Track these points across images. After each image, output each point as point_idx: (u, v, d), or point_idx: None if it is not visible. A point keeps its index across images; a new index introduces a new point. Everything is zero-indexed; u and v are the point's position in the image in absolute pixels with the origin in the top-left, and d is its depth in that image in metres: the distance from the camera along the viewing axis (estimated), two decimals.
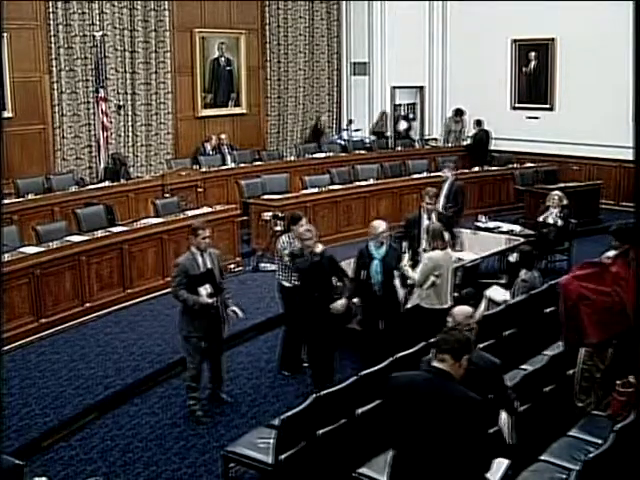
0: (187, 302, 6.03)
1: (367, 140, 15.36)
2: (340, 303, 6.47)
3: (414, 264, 7.16)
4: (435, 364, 3.56)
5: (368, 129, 15.87)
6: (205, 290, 6.03)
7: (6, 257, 7.49)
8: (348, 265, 7.03)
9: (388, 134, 15.73)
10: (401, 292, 6.83)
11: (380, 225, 6.75)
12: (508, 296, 6.98)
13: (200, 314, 6.05)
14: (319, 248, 6.48)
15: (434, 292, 6.59)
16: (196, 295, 6.00)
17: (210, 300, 6.02)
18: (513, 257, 7.63)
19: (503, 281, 7.38)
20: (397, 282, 6.79)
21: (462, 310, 4.34)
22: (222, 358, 6.44)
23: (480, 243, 9.12)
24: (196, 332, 6.10)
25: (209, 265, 6.14)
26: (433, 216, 8.03)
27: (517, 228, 10.16)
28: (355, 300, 6.92)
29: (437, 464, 3.48)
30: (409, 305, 6.72)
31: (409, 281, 6.87)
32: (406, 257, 7.28)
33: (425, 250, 7.26)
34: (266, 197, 11.12)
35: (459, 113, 15.21)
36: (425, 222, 7.87)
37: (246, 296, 8.65)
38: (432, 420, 3.46)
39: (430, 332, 6.00)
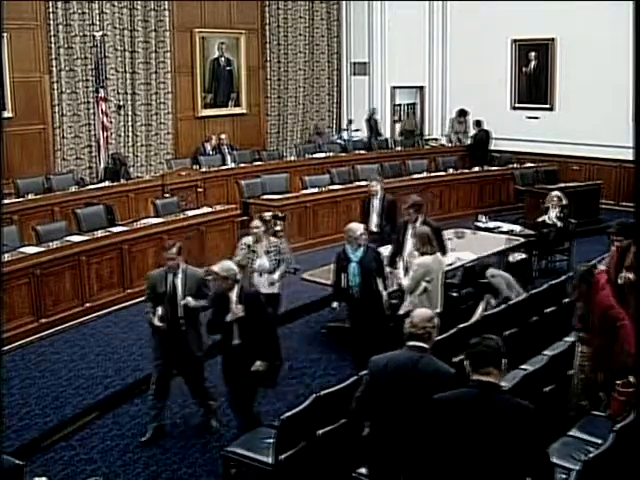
0: (147, 316, 5.91)
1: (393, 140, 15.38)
2: (260, 363, 5.50)
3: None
4: (480, 378, 3.42)
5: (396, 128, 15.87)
6: (158, 312, 5.75)
7: (6, 257, 7.49)
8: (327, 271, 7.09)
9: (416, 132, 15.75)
10: (385, 294, 6.75)
11: (357, 228, 6.77)
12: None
13: (157, 333, 5.85)
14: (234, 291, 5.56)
15: (426, 298, 6.49)
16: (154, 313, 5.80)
17: (159, 323, 5.74)
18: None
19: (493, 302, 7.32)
20: (380, 285, 6.75)
21: (422, 313, 4.19)
22: (201, 384, 6.02)
23: (480, 243, 9.11)
24: (155, 349, 5.93)
25: (179, 287, 5.77)
26: (417, 224, 7.55)
27: (517, 228, 10.15)
28: (335, 305, 6.97)
29: None
30: (401, 311, 6.63)
31: (402, 283, 6.77)
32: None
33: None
34: (266, 197, 11.13)
35: (463, 114, 15.21)
36: (410, 230, 7.55)
37: None
38: (489, 437, 3.32)
39: None
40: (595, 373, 5.31)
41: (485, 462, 3.34)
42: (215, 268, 5.49)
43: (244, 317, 5.39)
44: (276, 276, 6.99)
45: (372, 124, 15.55)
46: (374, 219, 8.88)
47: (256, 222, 7.05)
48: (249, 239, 7.03)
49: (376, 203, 8.98)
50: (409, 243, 7.33)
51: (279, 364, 6.30)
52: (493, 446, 3.32)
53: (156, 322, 5.74)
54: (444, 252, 7.35)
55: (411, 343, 4.06)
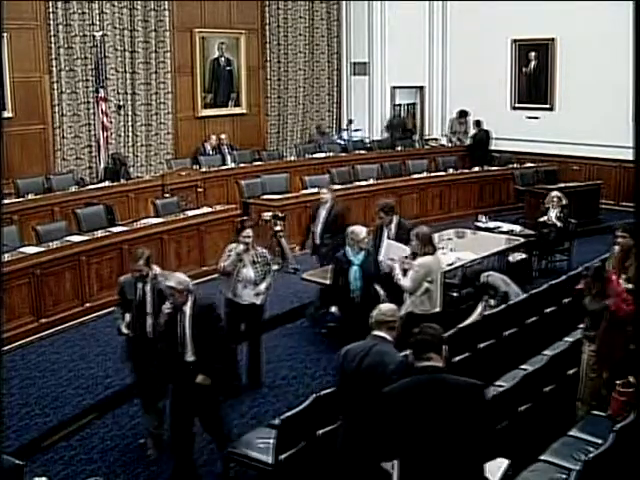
0: (116, 323, 5.81)
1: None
2: (203, 377, 5.16)
3: None
4: (424, 364, 3.55)
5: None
6: (126, 318, 5.66)
7: (6, 257, 7.49)
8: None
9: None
10: (384, 298, 6.63)
11: (361, 231, 6.73)
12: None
13: (127, 341, 5.73)
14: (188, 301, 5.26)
15: (427, 298, 6.50)
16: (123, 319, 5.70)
17: (125, 330, 5.66)
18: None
19: (492, 302, 7.33)
20: (379, 289, 6.74)
21: (389, 305, 4.52)
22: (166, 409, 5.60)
23: (480, 243, 9.11)
24: (129, 359, 5.80)
25: (148, 296, 5.60)
26: (392, 226, 7.57)
27: (517, 228, 10.15)
28: (333, 309, 6.94)
29: (457, 462, 3.44)
30: (402, 312, 6.63)
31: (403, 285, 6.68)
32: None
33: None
34: (266, 197, 11.12)
35: (463, 114, 15.22)
36: (385, 233, 7.53)
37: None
38: (448, 417, 3.42)
39: None
40: (601, 371, 5.32)
41: (444, 442, 3.43)
42: (170, 282, 5.18)
43: (197, 331, 5.12)
44: (262, 287, 6.62)
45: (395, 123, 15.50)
46: (319, 227, 8.49)
47: (247, 231, 6.69)
48: (239, 247, 6.59)
49: (323, 213, 8.57)
50: (385, 246, 7.22)
51: (238, 384, 6.39)
52: (450, 425, 3.42)
53: (123, 329, 5.66)
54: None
55: (375, 332, 4.34)
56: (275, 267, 7.49)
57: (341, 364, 4.38)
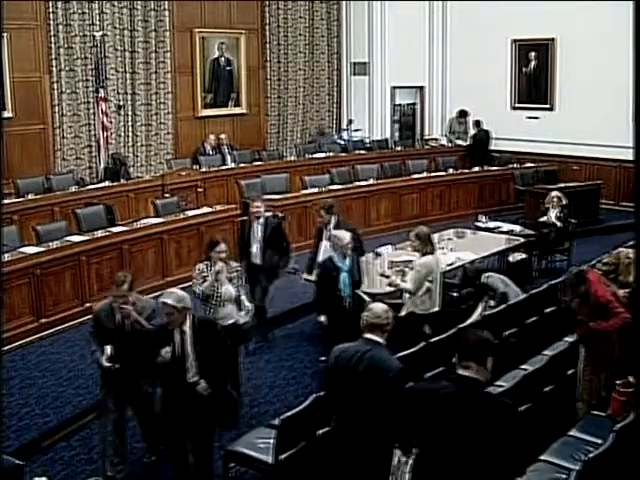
0: (92, 357, 5.36)
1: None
2: (204, 386, 4.86)
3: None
4: (460, 372, 3.46)
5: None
6: (106, 351, 5.16)
7: (6, 257, 7.49)
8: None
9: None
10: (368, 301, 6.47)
11: (345, 236, 6.50)
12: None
13: (106, 375, 5.25)
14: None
15: (428, 297, 6.52)
16: (102, 351, 5.19)
17: (107, 364, 5.13)
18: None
19: (492, 303, 7.31)
20: (363, 295, 6.63)
21: (380, 305, 4.33)
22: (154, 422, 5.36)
23: (480, 243, 9.11)
24: (106, 394, 5.34)
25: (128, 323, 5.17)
26: (330, 227, 7.33)
27: (517, 228, 10.16)
28: (322, 318, 6.65)
29: (466, 475, 3.36)
30: (403, 313, 6.63)
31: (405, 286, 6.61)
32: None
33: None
34: (266, 197, 11.10)
35: (463, 114, 15.23)
36: (324, 234, 7.31)
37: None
38: (459, 432, 3.35)
39: (424, 335, 6.11)
40: (598, 373, 5.33)
41: (451, 455, 3.36)
42: (168, 300, 4.75)
43: (201, 350, 4.79)
44: (249, 303, 6.25)
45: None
46: (255, 248, 7.50)
47: (222, 246, 6.07)
48: (217, 265, 6.03)
49: (258, 229, 7.57)
50: (324, 247, 7.06)
51: (236, 412, 5.72)
52: (463, 439, 3.34)
53: (105, 363, 5.13)
54: (362, 254, 7.27)
55: (367, 335, 4.21)
56: (296, 265, 7.54)
57: (333, 366, 4.28)
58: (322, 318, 6.67)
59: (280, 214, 10.07)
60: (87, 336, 5.40)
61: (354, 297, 6.49)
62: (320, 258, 7.10)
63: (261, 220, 7.58)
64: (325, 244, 7.14)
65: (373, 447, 4.12)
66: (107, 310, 5.24)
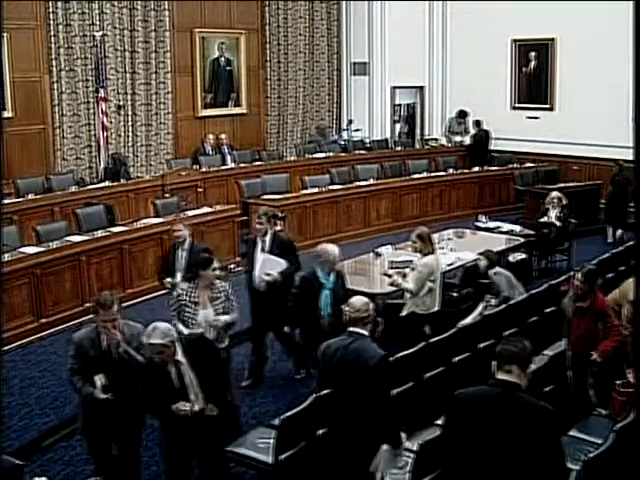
0: (81, 393, 4.77)
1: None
2: (212, 406, 4.59)
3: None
4: (501, 377, 3.42)
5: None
6: (99, 381, 4.65)
7: (6, 257, 7.50)
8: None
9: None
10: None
11: (333, 250, 6.02)
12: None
13: (96, 409, 4.72)
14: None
15: (429, 297, 6.52)
16: (92, 384, 4.66)
17: (104, 395, 4.63)
18: (481, 264, 7.33)
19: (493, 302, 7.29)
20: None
21: (361, 299, 4.44)
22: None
23: (480, 243, 9.10)
24: (91, 429, 4.88)
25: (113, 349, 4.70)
26: (267, 238, 6.75)
27: (517, 228, 10.15)
28: (286, 329, 6.47)
29: None
30: (404, 313, 6.62)
31: (407, 287, 6.50)
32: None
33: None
34: (266, 197, 11.13)
35: (463, 115, 15.23)
36: (259, 245, 6.74)
37: (244, 297, 8.61)
38: (506, 436, 3.32)
39: (424, 335, 6.11)
40: (583, 372, 5.37)
41: (500, 462, 3.33)
42: (155, 340, 4.33)
43: (201, 373, 4.48)
44: (222, 318, 5.59)
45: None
46: (179, 277, 6.68)
47: (216, 264, 5.62)
48: (195, 291, 5.54)
49: (183, 254, 6.85)
50: (260, 259, 6.61)
51: (237, 410, 5.55)
52: (509, 447, 3.32)
53: (101, 395, 4.62)
54: (298, 268, 6.75)
55: (351, 329, 4.36)
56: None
57: (321, 360, 4.43)
58: (286, 329, 6.52)
59: (280, 214, 10.10)
60: (68, 375, 4.85)
61: (335, 316, 5.72)
62: (257, 272, 6.56)
63: (186, 245, 6.89)
64: (262, 257, 6.60)
65: (364, 440, 4.18)
66: (91, 337, 4.71)
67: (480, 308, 6.97)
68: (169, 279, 6.87)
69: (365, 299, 4.49)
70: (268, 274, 6.55)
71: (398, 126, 16.24)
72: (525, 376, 3.43)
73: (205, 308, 5.54)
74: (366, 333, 4.35)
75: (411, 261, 6.91)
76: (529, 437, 3.30)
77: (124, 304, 8.54)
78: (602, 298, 5.67)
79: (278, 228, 7.46)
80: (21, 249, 8.10)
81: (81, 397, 4.83)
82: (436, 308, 6.55)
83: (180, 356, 4.46)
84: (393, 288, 6.83)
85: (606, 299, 5.78)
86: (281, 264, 6.56)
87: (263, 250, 6.68)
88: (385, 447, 4.22)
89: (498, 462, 3.34)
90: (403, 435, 4.36)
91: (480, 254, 7.49)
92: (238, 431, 5.26)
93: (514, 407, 3.35)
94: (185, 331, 5.42)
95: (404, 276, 6.60)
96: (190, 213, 9.98)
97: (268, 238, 6.72)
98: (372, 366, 4.17)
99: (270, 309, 6.62)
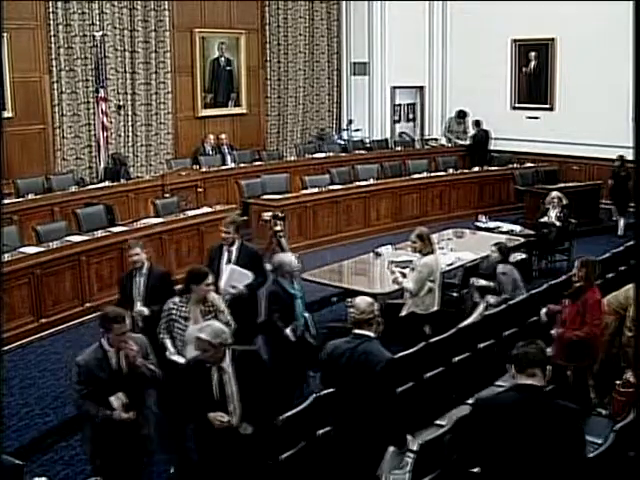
0: (96, 418, 4.46)
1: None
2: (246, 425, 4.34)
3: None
4: (525, 381, 3.42)
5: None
6: (118, 400, 4.39)
7: (6, 257, 7.49)
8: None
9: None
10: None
11: (292, 260, 6.03)
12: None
13: (113, 433, 4.46)
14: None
15: (429, 297, 6.53)
16: (107, 407, 4.39)
17: (126, 415, 4.40)
18: (493, 257, 7.39)
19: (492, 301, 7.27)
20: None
21: (365, 300, 4.39)
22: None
23: (480, 243, 9.10)
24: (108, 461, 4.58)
25: (124, 366, 4.49)
26: (234, 248, 6.49)
27: (517, 228, 10.16)
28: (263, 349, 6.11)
29: None
30: (404, 313, 6.62)
31: (407, 286, 6.51)
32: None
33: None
34: (266, 197, 11.13)
35: (462, 115, 15.24)
36: (225, 255, 6.44)
37: None
38: (541, 441, 3.32)
39: (424, 335, 6.12)
40: (583, 372, 5.39)
41: (528, 465, 3.33)
42: (202, 335, 4.22)
43: (245, 389, 4.26)
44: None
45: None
46: (139, 305, 5.94)
47: (211, 278, 5.42)
48: (190, 305, 5.31)
49: (141, 281, 6.06)
50: (228, 271, 6.27)
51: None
52: (543, 450, 3.32)
53: (123, 415, 4.39)
54: (264, 281, 6.37)
55: (356, 331, 4.30)
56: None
57: (327, 361, 4.39)
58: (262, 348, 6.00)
59: (280, 214, 10.10)
60: (76, 402, 4.64)
61: (307, 326, 6.00)
62: (222, 284, 6.15)
63: (144, 270, 6.09)
64: (229, 268, 6.30)
65: (369, 442, 4.17)
66: (98, 358, 4.44)
67: (481, 308, 6.97)
68: (136, 310, 5.92)
69: (369, 299, 4.44)
70: (234, 287, 6.19)
71: (398, 126, 16.22)
72: (545, 377, 3.45)
73: (196, 323, 5.14)
74: (372, 335, 4.29)
75: (411, 261, 6.91)
76: (563, 439, 3.31)
77: None
78: (596, 291, 5.68)
79: (278, 228, 7.41)
80: (21, 249, 8.10)
81: (92, 424, 4.55)
82: (436, 308, 6.56)
83: (227, 364, 4.26)
84: (393, 288, 6.85)
85: (603, 301, 5.77)
86: (248, 276, 6.24)
87: (229, 261, 6.39)
88: (391, 449, 4.21)
89: (533, 467, 3.32)
90: (409, 437, 4.33)
91: (495, 244, 7.52)
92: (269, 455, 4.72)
93: (546, 412, 3.36)
94: (171, 348, 5.27)
95: (404, 276, 6.61)
96: (190, 213, 9.98)
97: (235, 248, 6.44)
98: (379, 370, 4.13)
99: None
